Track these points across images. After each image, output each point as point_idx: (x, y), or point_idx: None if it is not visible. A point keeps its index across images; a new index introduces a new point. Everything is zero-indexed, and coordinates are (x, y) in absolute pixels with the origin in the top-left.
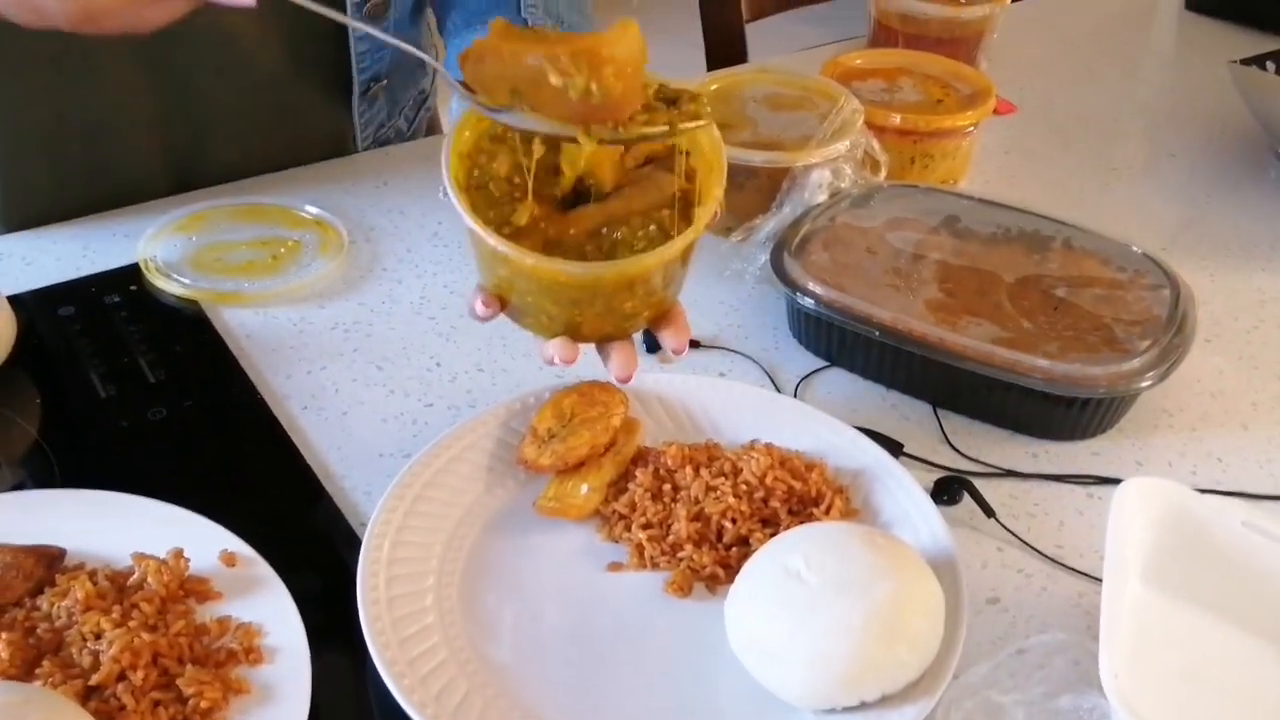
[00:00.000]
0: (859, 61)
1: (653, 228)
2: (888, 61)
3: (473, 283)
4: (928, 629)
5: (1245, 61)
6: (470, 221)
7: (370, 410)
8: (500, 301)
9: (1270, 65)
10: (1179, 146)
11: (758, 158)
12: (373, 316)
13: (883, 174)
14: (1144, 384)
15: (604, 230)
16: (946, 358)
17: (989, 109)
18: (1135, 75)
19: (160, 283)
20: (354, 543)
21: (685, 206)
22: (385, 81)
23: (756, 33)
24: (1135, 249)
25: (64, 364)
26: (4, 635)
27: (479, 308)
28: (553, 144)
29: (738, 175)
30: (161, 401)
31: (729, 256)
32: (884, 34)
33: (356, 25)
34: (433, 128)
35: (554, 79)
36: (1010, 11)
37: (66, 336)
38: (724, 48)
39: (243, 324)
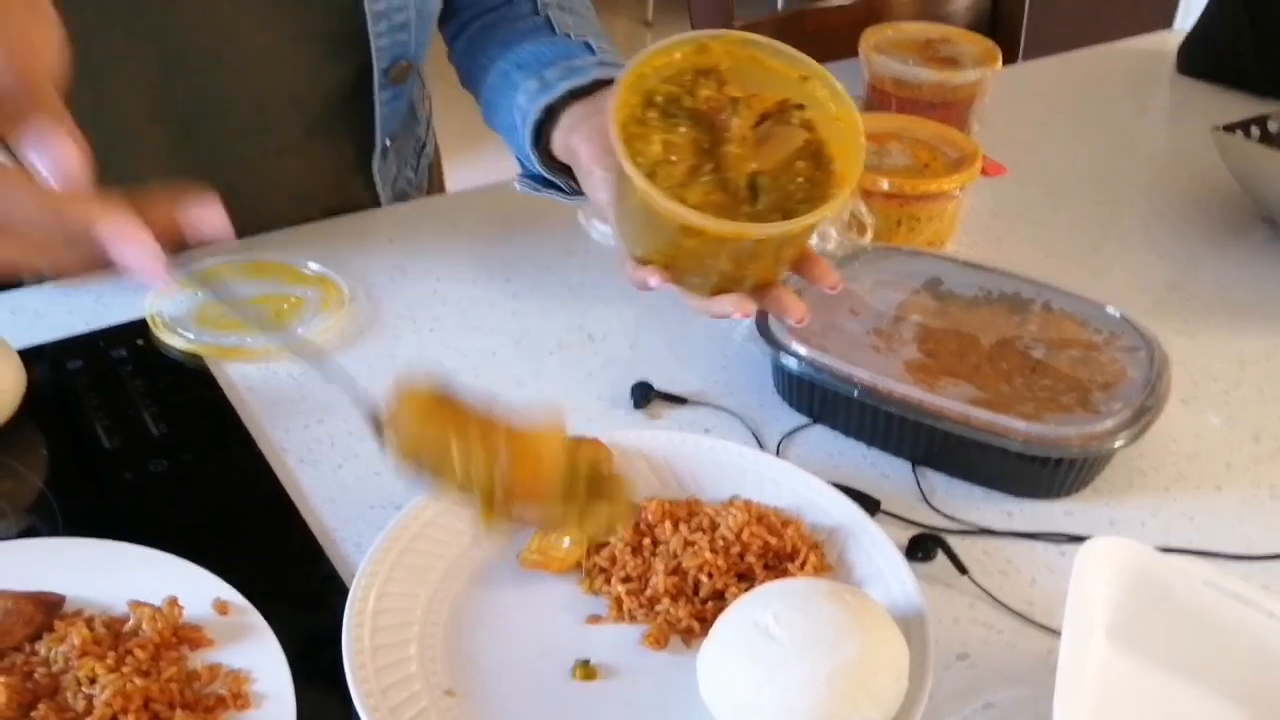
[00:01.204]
0: None
1: (800, 180)
2: (878, 126)
3: (470, 342)
4: (892, 685)
5: (1229, 127)
6: (665, 201)
7: (364, 464)
8: (667, 270)
9: (1255, 130)
10: (1167, 209)
11: None
12: (370, 371)
13: (869, 236)
14: (1116, 444)
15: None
16: (925, 417)
17: (975, 173)
18: (1125, 137)
19: (166, 337)
20: (343, 593)
21: (815, 155)
22: (397, 140)
23: None
24: (1112, 311)
25: (71, 416)
26: (2, 679)
27: (653, 281)
28: (701, 124)
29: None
30: (163, 454)
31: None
32: (878, 98)
33: None
34: (434, 174)
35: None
36: (1002, 75)
37: (75, 390)
38: None
39: (245, 378)
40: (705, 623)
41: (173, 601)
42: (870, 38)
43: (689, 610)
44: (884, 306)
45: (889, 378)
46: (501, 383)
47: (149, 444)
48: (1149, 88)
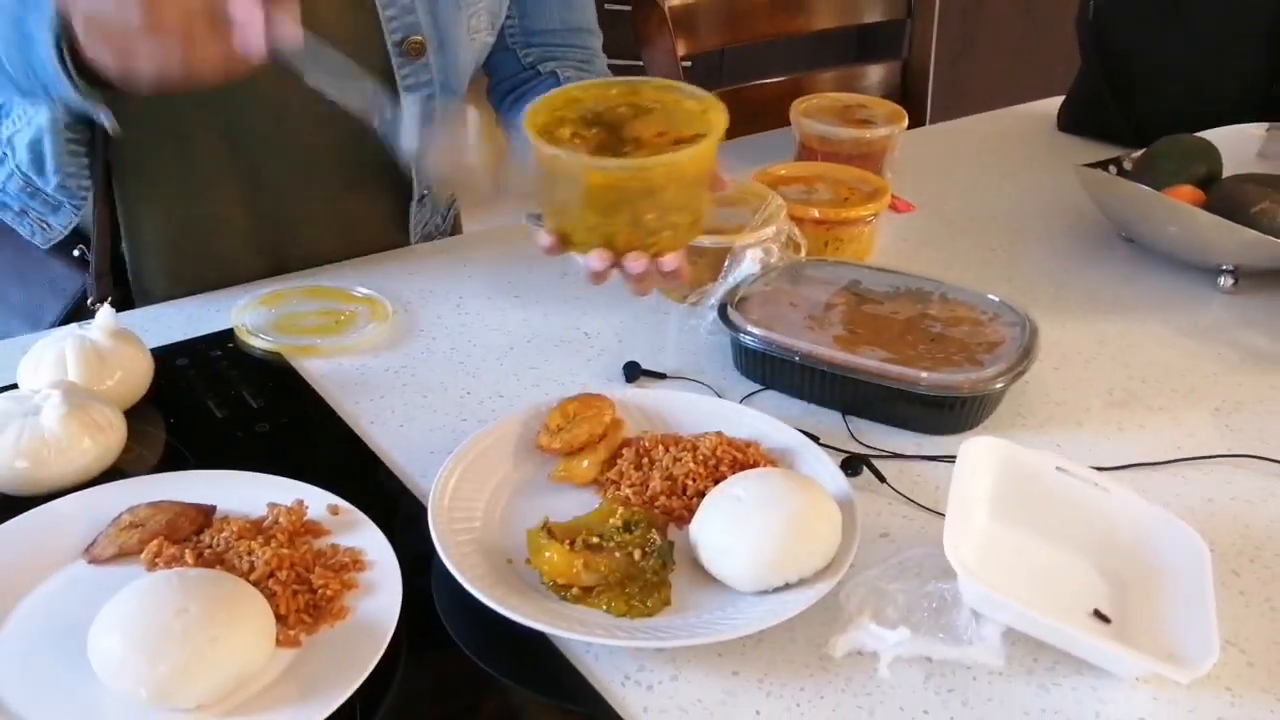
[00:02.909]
0: (783, 171)
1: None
2: (808, 171)
3: (489, 340)
4: (829, 532)
5: (1091, 165)
6: (535, 139)
7: (420, 425)
8: (558, 235)
9: (1112, 168)
10: (1045, 234)
11: (706, 240)
12: (415, 364)
13: (803, 253)
14: (997, 385)
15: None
16: (851, 374)
17: (885, 203)
18: (1013, 181)
19: (251, 340)
20: (415, 503)
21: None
22: (432, 190)
23: None
24: (994, 298)
25: (186, 397)
26: (187, 552)
27: (544, 242)
28: (612, 132)
29: (692, 254)
30: (265, 419)
31: (686, 315)
32: (806, 153)
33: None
34: (457, 222)
35: None
36: (912, 135)
37: (185, 380)
38: None
39: (316, 369)
40: (690, 513)
41: (300, 502)
42: (799, 105)
43: (679, 503)
44: (816, 300)
45: (822, 347)
46: (519, 368)
47: (252, 413)
48: (1033, 143)
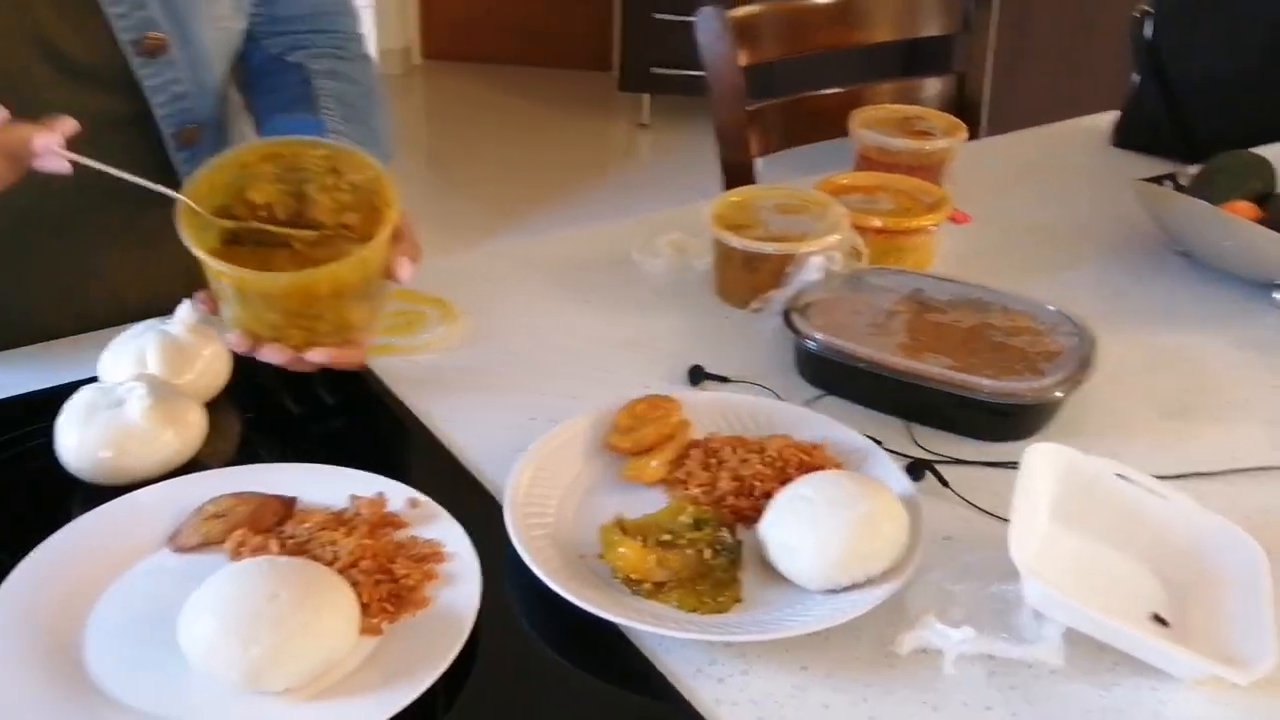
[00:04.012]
0: (845, 181)
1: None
2: (868, 181)
3: (558, 342)
4: (895, 532)
5: (1147, 180)
6: (188, 202)
7: (491, 423)
8: (248, 334)
9: (1167, 183)
10: (1100, 247)
11: (770, 248)
12: (485, 364)
13: (864, 261)
14: (1057, 394)
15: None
16: (914, 380)
17: (946, 213)
18: (1067, 195)
19: None
20: (488, 498)
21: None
22: None
23: (764, 165)
24: (1053, 309)
25: (262, 394)
26: (273, 543)
27: (232, 341)
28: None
29: (755, 261)
30: (341, 418)
31: (750, 321)
32: (865, 164)
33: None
34: None
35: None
36: (968, 148)
37: (263, 378)
38: (738, 177)
39: (390, 367)
40: (758, 513)
41: (381, 495)
42: (858, 116)
43: (747, 503)
44: (879, 307)
45: (886, 354)
46: (586, 370)
47: (327, 410)
48: (1087, 157)
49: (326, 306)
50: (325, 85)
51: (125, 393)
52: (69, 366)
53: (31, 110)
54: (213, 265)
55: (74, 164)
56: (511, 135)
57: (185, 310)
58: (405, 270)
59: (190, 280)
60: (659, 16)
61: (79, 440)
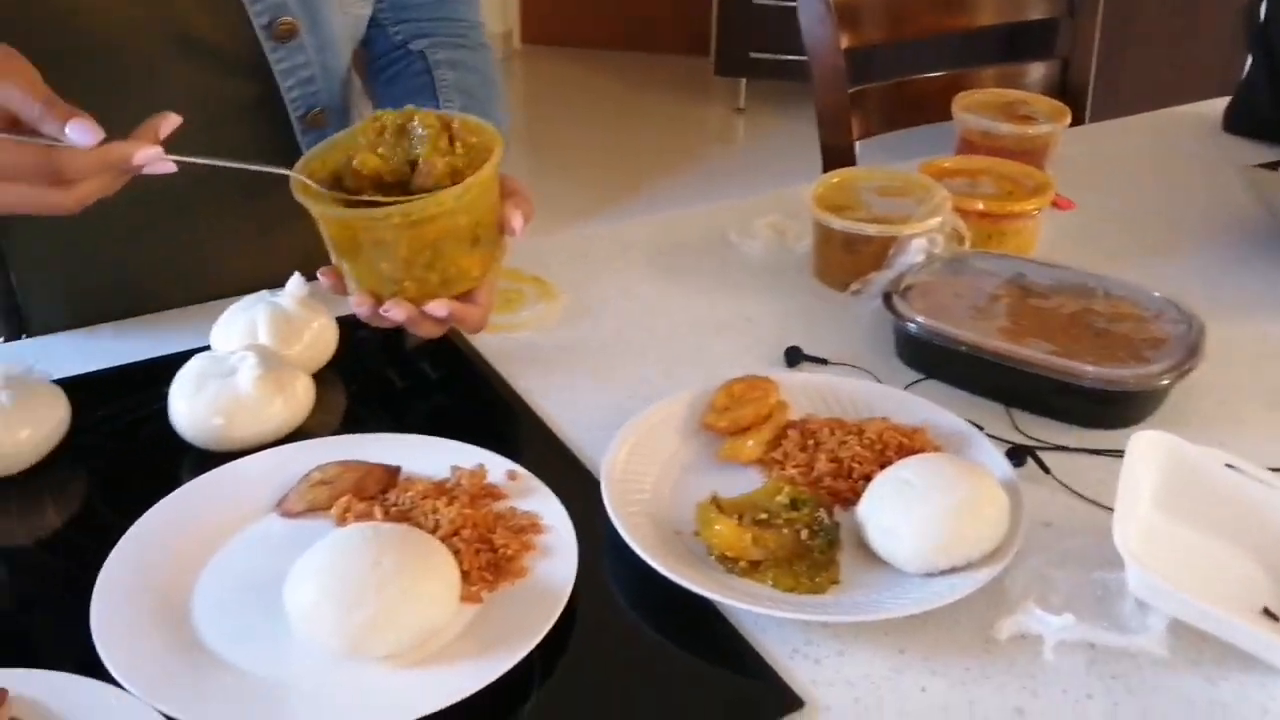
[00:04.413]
0: (947, 164)
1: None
2: (970, 164)
3: (654, 323)
4: (996, 517)
5: (1258, 166)
6: (301, 178)
7: (588, 400)
8: (368, 293)
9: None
10: (1208, 234)
11: (871, 229)
12: (582, 342)
13: (966, 245)
14: (1163, 382)
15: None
16: (1016, 365)
17: (1050, 197)
18: (1176, 180)
19: None
20: (585, 474)
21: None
22: None
23: (862, 149)
24: (1159, 295)
25: (367, 366)
26: (377, 510)
27: (354, 304)
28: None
29: (855, 243)
30: (443, 391)
31: (849, 303)
32: (967, 148)
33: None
34: None
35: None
36: (1072, 133)
37: (366, 352)
38: (838, 160)
39: (489, 344)
40: (856, 495)
41: (481, 466)
42: (961, 100)
43: (845, 485)
44: (980, 291)
45: (988, 338)
46: (683, 350)
47: (429, 384)
48: (1196, 143)
49: (437, 254)
50: (446, 75)
51: (236, 362)
52: (182, 336)
53: (166, 95)
54: (326, 213)
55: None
56: (608, 120)
57: (295, 283)
58: (517, 221)
59: (304, 260)
60: (757, 1)
61: (191, 407)
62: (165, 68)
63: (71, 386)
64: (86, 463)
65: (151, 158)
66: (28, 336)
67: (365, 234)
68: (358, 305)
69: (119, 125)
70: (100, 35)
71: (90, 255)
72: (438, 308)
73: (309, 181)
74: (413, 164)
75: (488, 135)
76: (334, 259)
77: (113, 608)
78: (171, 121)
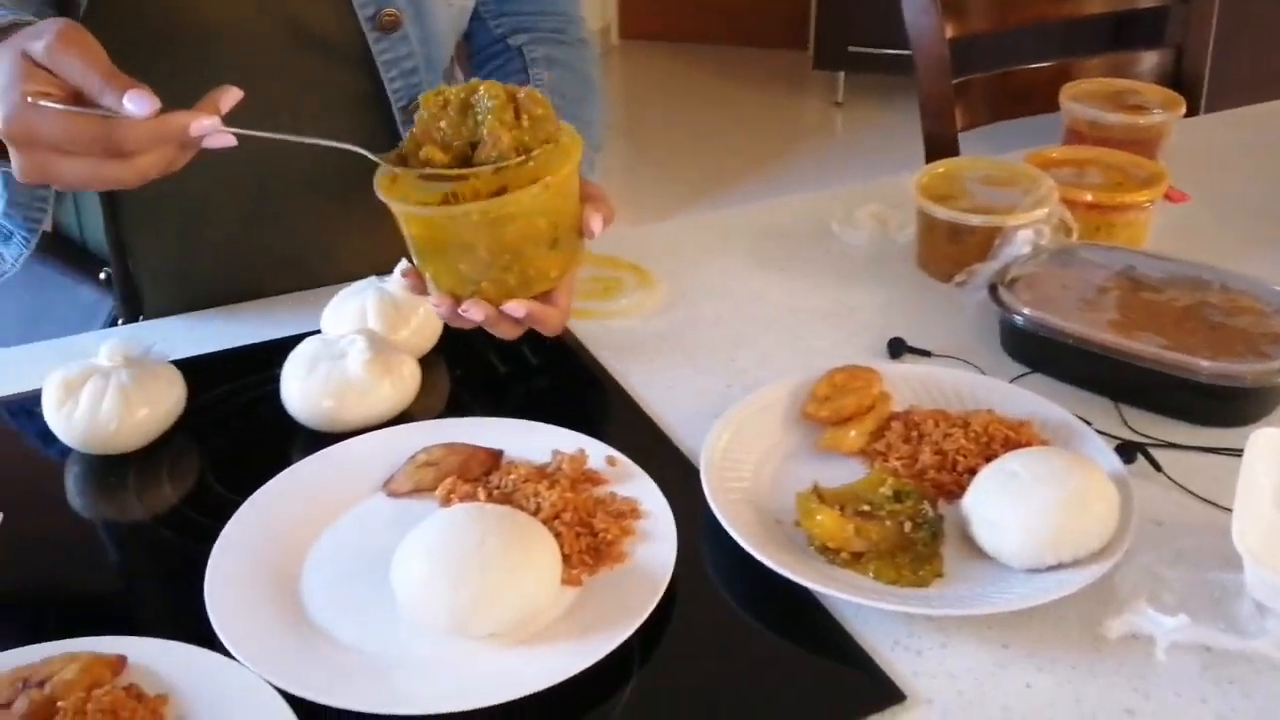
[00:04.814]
0: (1055, 154)
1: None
2: (1077, 155)
3: (754, 310)
4: (1105, 512)
5: None
6: (389, 199)
7: (687, 388)
8: (447, 293)
9: None
10: None
11: (976, 220)
12: (680, 330)
13: (1074, 237)
14: None
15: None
16: (1126, 359)
17: (1162, 189)
18: None
19: None
20: (684, 461)
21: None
22: None
23: (966, 140)
24: (1279, 289)
25: (471, 352)
26: (480, 492)
27: (433, 304)
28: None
29: (960, 233)
30: (543, 377)
31: (953, 294)
32: (1075, 138)
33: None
34: None
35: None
36: (1186, 124)
37: (469, 338)
38: (941, 151)
39: (588, 331)
40: (961, 489)
41: (582, 451)
42: (1069, 90)
43: (950, 478)
44: (1089, 284)
45: (1097, 330)
46: (783, 339)
47: (530, 370)
48: None
49: (516, 255)
50: (541, 75)
51: (346, 345)
52: (293, 320)
53: (277, 84)
54: (406, 211)
55: (251, 137)
56: (706, 113)
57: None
58: (596, 224)
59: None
60: None
61: (302, 389)
62: (276, 57)
63: (188, 367)
64: (202, 441)
65: (207, 128)
66: (145, 320)
67: (445, 234)
68: (436, 305)
69: (232, 114)
70: (214, 23)
71: (204, 243)
72: (515, 308)
73: (372, 155)
74: (474, 145)
75: (560, 130)
76: (414, 259)
77: (226, 581)
78: (233, 95)
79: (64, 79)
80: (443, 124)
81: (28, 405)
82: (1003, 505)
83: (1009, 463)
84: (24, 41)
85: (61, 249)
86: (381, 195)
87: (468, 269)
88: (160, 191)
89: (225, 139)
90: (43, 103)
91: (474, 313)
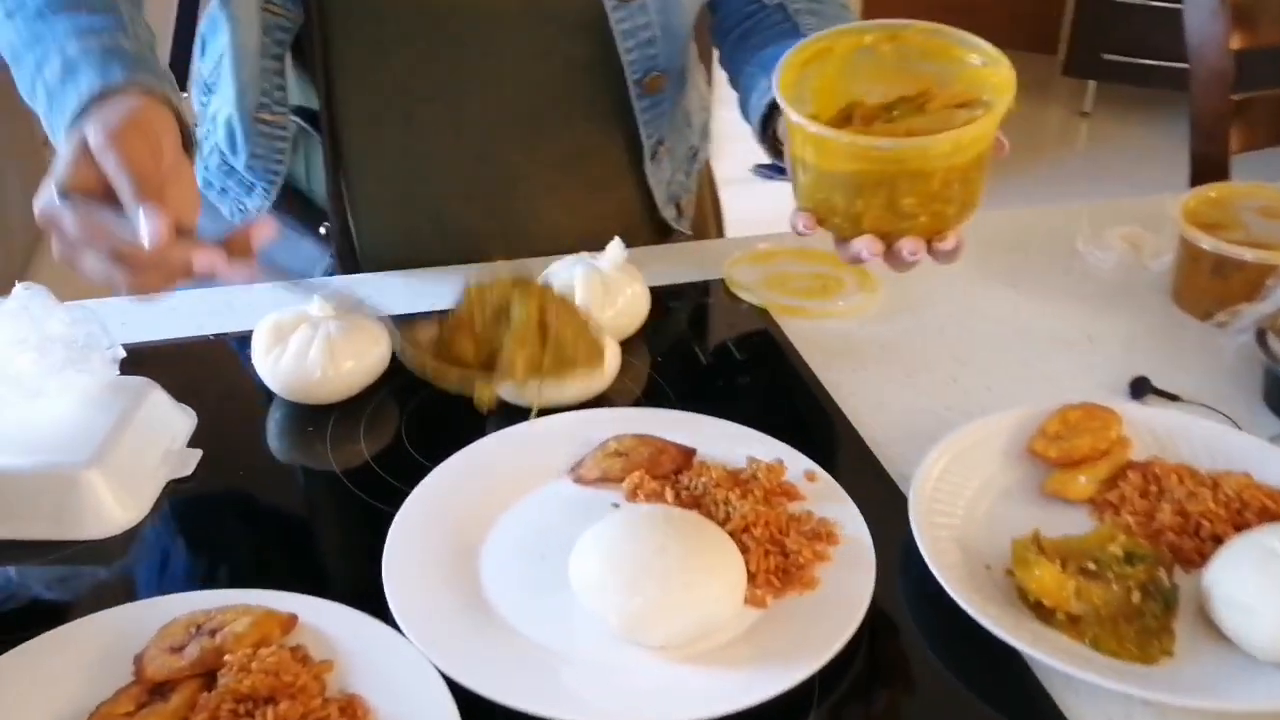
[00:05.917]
0: None
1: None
2: None
3: (980, 329)
4: None
5: None
6: (786, 107)
7: (901, 404)
8: (814, 216)
9: None
10: None
11: (1249, 254)
12: (900, 339)
13: None
14: None
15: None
16: None
17: None
18: None
19: (741, 294)
20: (890, 484)
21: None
22: (666, 143)
23: (1238, 165)
24: None
25: (674, 340)
26: (668, 491)
27: (800, 225)
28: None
29: (1228, 267)
30: (745, 374)
31: (1211, 334)
32: None
33: None
34: (707, 180)
35: None
36: None
37: (676, 322)
38: (1209, 173)
39: (800, 330)
40: (1202, 557)
41: (780, 461)
42: None
43: (1191, 544)
44: None
45: None
46: (1011, 362)
47: (735, 366)
48: None
49: (965, 182)
50: (810, 22)
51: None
52: None
53: (509, 51)
54: (870, 145)
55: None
56: None
57: (615, 248)
58: (1004, 144)
59: (625, 226)
60: (1156, 4)
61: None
62: (509, 23)
63: (396, 324)
64: (402, 400)
65: (208, 269)
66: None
67: (905, 165)
68: (855, 246)
69: (462, 79)
70: None
71: (422, 206)
72: (910, 246)
73: (798, 117)
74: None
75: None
76: (836, 201)
77: (405, 552)
78: (266, 234)
79: (105, 174)
80: (476, 323)
81: (242, 346)
82: (1256, 586)
83: (1266, 536)
84: (99, 120)
85: (290, 201)
86: (788, 108)
87: (912, 203)
88: (383, 148)
89: (230, 276)
90: (67, 199)
91: (864, 247)
